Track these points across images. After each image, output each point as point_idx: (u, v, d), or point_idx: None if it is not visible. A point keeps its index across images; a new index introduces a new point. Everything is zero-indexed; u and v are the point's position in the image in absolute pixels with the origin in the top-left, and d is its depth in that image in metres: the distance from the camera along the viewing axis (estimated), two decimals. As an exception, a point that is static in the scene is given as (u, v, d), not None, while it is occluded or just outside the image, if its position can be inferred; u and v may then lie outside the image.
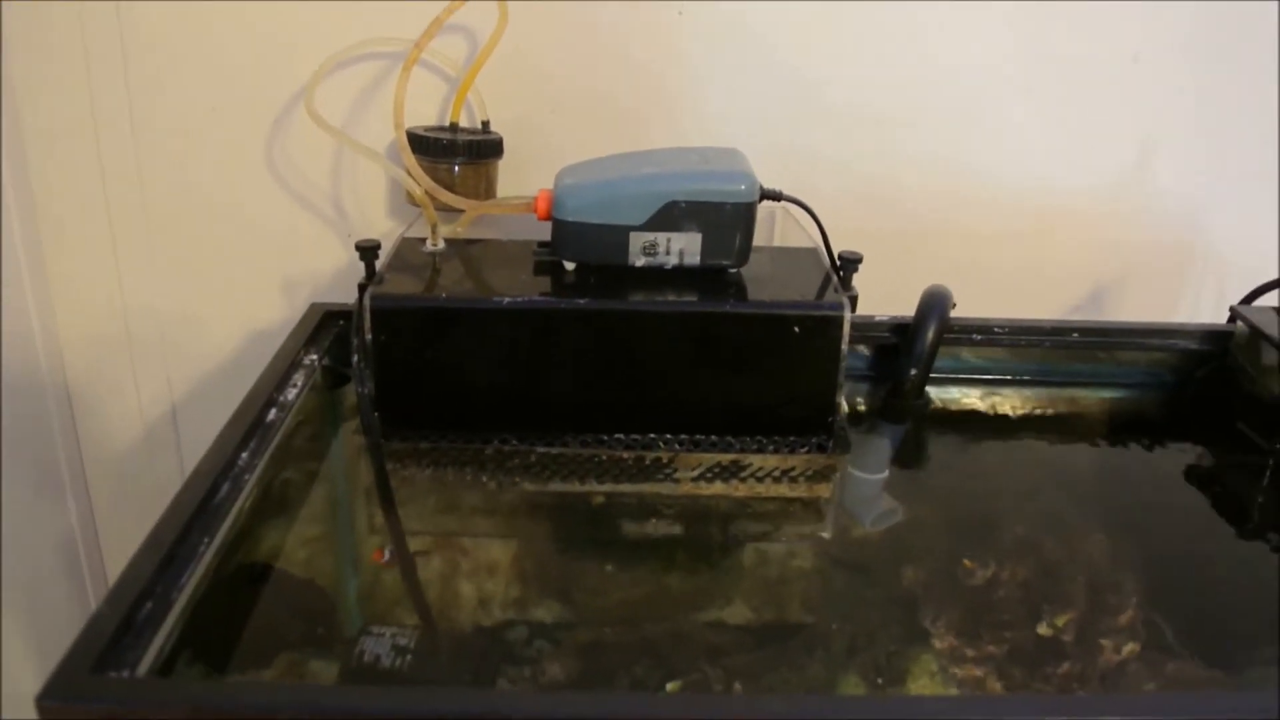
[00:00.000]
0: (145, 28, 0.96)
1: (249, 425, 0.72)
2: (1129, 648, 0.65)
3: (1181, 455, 0.89)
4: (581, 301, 0.78)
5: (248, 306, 1.08)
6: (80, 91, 0.98)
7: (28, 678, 1.02)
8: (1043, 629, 0.66)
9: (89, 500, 1.13)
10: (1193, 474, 0.86)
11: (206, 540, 0.62)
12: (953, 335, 0.90)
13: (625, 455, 0.81)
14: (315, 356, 0.85)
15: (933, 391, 0.92)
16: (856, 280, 0.84)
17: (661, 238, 0.80)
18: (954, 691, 0.61)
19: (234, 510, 0.66)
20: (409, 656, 0.61)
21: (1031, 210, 1.07)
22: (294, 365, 0.82)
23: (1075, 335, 0.93)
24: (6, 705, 0.93)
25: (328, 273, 1.06)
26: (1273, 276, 0.95)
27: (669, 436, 0.82)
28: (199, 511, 0.63)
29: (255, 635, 0.63)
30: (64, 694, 0.49)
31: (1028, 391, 0.95)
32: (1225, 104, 1.04)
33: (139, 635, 0.54)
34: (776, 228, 0.95)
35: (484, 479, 0.78)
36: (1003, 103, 1.03)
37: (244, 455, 0.70)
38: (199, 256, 1.05)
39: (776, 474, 0.80)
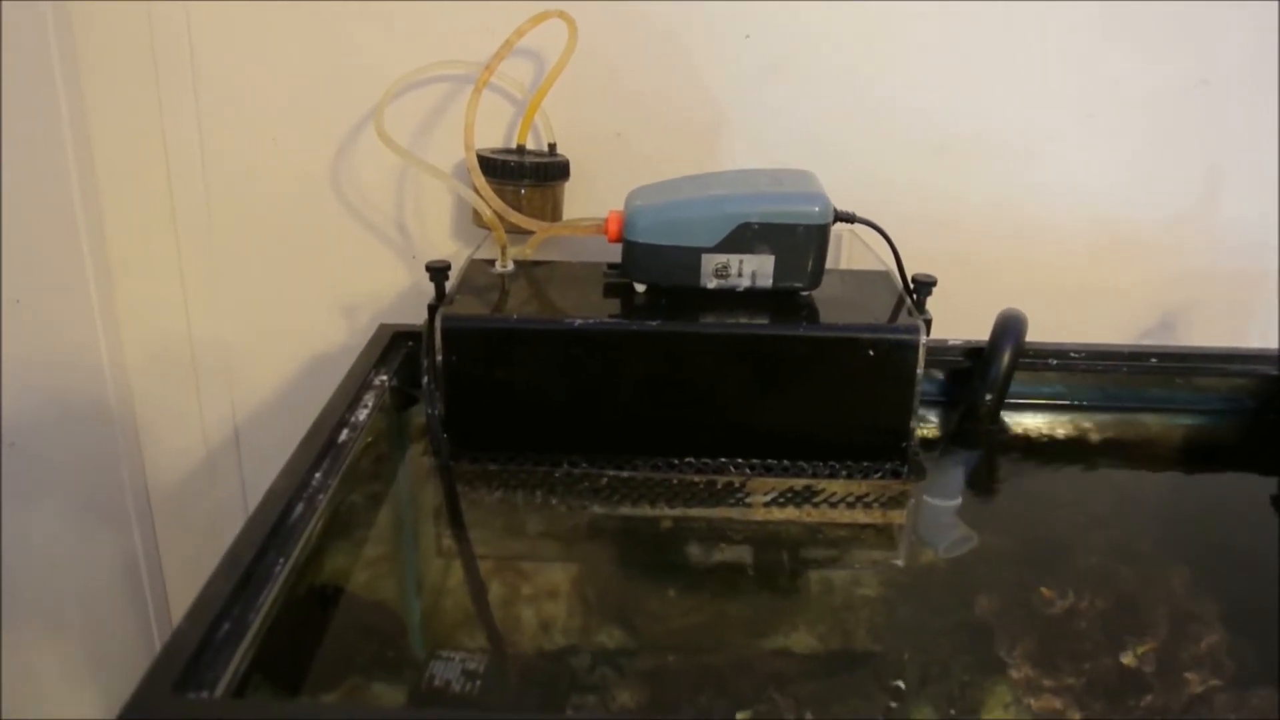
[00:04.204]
0: (216, 56, 0.98)
1: (321, 446, 0.72)
2: (1213, 679, 0.63)
3: (1262, 483, 0.86)
4: (653, 323, 0.77)
5: (310, 329, 1.08)
6: (151, 121, 0.99)
7: (92, 699, 1.02)
8: (1125, 659, 0.64)
9: (152, 524, 1.14)
10: (1275, 502, 0.83)
11: (282, 561, 0.61)
12: (1028, 360, 0.89)
13: (696, 479, 0.80)
14: (385, 377, 0.85)
15: (1006, 416, 0.91)
16: (928, 304, 0.83)
17: (734, 260, 0.79)
18: (1029, 721, 0.59)
19: (307, 531, 0.65)
20: (479, 682, 0.60)
21: (1100, 235, 1.05)
22: (365, 386, 0.82)
23: (1153, 360, 0.91)
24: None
25: (390, 295, 1.07)
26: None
27: (740, 460, 0.80)
28: (274, 532, 0.63)
29: (325, 657, 0.62)
30: (146, 712, 0.49)
31: (1103, 417, 0.93)
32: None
33: (217, 655, 0.53)
34: (843, 251, 0.94)
35: (553, 502, 0.77)
36: (1070, 127, 1.02)
37: (317, 476, 0.69)
38: (262, 279, 1.06)
39: (850, 499, 0.79)
